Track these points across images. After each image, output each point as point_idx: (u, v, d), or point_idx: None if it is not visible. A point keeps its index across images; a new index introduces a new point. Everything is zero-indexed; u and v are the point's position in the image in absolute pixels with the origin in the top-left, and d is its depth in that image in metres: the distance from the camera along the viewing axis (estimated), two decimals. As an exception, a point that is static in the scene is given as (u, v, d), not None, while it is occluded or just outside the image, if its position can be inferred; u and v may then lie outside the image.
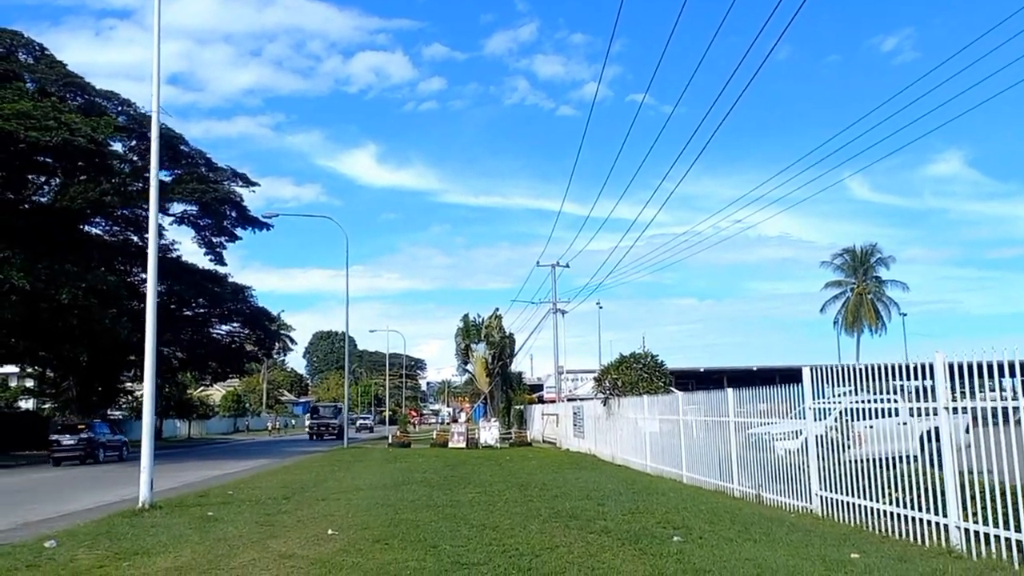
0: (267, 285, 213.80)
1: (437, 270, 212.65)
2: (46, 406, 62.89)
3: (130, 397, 67.50)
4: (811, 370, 12.75)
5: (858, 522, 10.99)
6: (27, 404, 67.20)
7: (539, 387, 65.46)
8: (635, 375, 25.23)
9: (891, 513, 10.33)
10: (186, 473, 22.98)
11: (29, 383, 67.65)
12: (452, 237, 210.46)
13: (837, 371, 12.13)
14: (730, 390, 15.95)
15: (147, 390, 13.79)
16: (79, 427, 33.45)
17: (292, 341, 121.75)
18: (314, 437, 59.16)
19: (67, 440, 31.80)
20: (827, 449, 12.56)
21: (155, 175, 14.82)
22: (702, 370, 51.04)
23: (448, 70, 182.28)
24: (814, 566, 8.22)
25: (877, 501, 10.64)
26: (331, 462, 26.08)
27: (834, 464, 12.14)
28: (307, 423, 67.33)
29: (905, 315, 74.54)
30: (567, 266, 46.92)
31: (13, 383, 75.11)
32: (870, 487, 10.85)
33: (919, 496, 9.96)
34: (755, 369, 47.24)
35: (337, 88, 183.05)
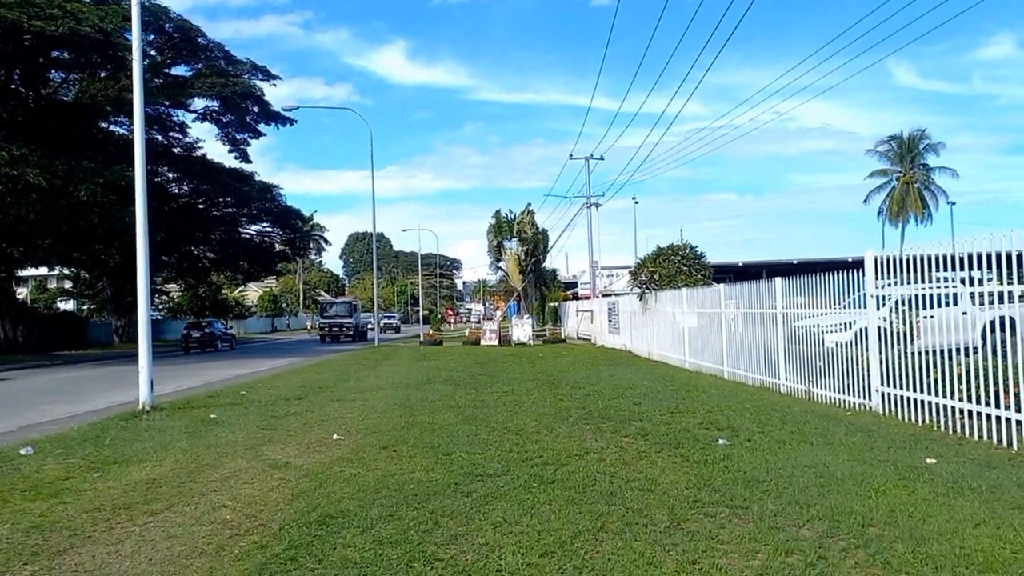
0: (302, 187, 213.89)
1: (472, 169, 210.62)
2: (84, 307, 63.59)
3: (165, 297, 68.03)
4: (874, 256, 11.33)
5: (926, 421, 9.79)
6: (66, 305, 68.00)
7: (574, 284, 64.46)
8: (673, 268, 23.90)
9: (968, 411, 9.09)
10: (210, 372, 22.43)
11: (68, 285, 68.35)
12: (486, 135, 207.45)
13: (901, 259, 10.68)
14: (778, 279, 14.63)
15: (141, 285, 12.83)
16: (203, 324, 45.89)
17: (326, 242, 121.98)
18: (326, 340, 50.33)
19: (195, 333, 43.37)
20: (890, 341, 11.29)
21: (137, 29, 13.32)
22: (740, 264, 49.46)
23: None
24: (885, 474, 7.06)
25: (950, 398, 9.38)
26: (357, 361, 25.40)
27: (897, 357, 10.89)
28: (317, 324, 58.18)
29: (954, 204, 71.68)
30: (601, 158, 45.02)
31: (53, 285, 76.04)
32: (941, 382, 9.58)
33: (997, 392, 8.72)
34: (795, 262, 45.62)
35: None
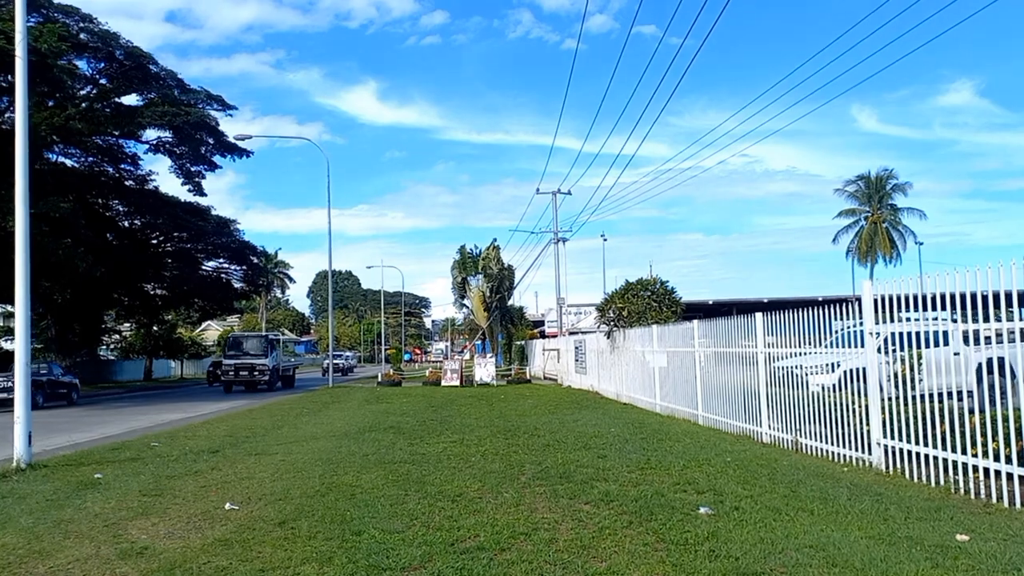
0: (271, 225, 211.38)
1: (442, 208, 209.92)
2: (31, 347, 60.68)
3: (117, 336, 65.26)
4: (872, 286, 9.89)
5: (941, 481, 8.25)
6: (8, 345, 65.00)
7: (541, 323, 62.91)
8: (643, 303, 22.40)
9: (994, 471, 7.57)
10: (140, 418, 20.41)
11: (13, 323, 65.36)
12: (456, 175, 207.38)
13: (906, 287, 9.22)
14: (759, 315, 13.18)
15: (19, 318, 10.94)
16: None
17: (290, 279, 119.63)
18: (231, 387, 37.09)
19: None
20: (884, 385, 9.83)
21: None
22: (711, 302, 48.09)
23: (451, 3, 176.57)
24: (912, 558, 5.51)
25: (970, 454, 7.86)
26: (304, 404, 23.49)
27: (901, 405, 9.40)
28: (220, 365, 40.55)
29: (922, 244, 71.46)
30: (569, 193, 43.76)
31: (-1, 323, 72.95)
32: (957, 434, 8.08)
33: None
34: (766, 301, 44.46)
35: (337, 23, 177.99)
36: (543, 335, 52.96)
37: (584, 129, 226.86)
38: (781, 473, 9.19)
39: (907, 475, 8.81)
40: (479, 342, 52.74)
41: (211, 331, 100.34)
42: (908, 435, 8.90)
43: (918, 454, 8.75)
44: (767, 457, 10.57)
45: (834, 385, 12.15)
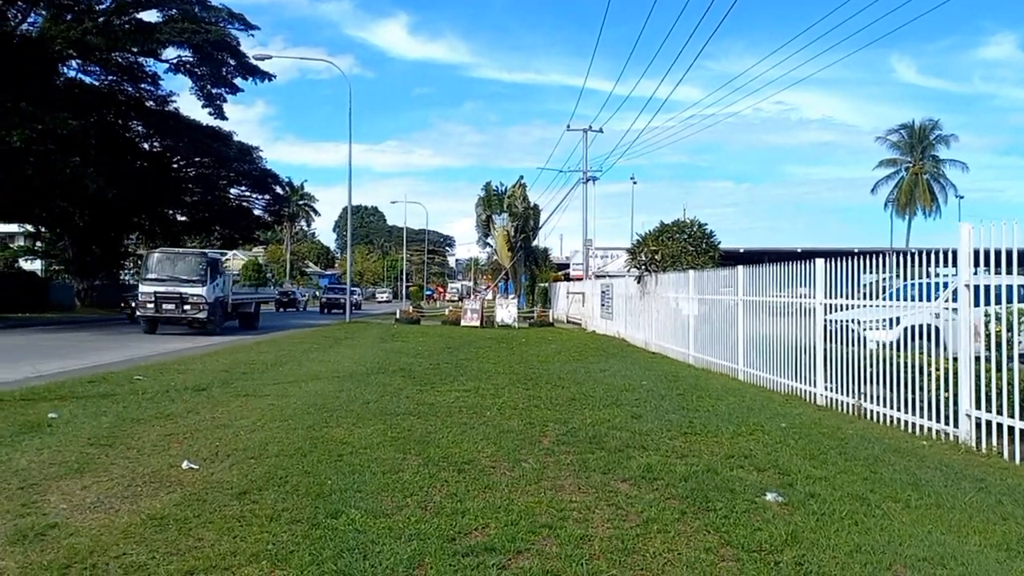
0: (300, 158, 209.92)
1: (470, 147, 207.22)
2: (51, 267, 60.20)
3: (139, 260, 64.39)
4: (969, 228, 8.25)
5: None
6: (31, 265, 64.51)
7: (566, 266, 61.28)
8: (677, 247, 20.80)
9: None
10: (143, 346, 19.24)
11: (38, 244, 64.70)
12: (485, 114, 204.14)
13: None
14: (820, 261, 11.61)
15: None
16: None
17: (316, 212, 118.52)
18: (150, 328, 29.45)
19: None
20: (984, 346, 8.29)
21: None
22: (742, 251, 46.38)
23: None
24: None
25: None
26: (317, 338, 22.27)
27: (994, 370, 7.89)
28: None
29: (962, 198, 68.68)
30: (600, 131, 41.68)
31: (20, 243, 72.48)
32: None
33: None
34: (799, 251, 42.58)
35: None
36: (568, 278, 51.43)
37: (616, 70, 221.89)
38: (852, 446, 7.73)
39: (1006, 455, 7.32)
40: (502, 282, 51.37)
41: (236, 261, 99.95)
42: (1011, 408, 7.37)
43: (1017, 428, 7.26)
44: (828, 424, 9.10)
45: (895, 343, 10.73)
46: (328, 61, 73.02)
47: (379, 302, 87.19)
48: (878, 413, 9.56)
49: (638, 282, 21.80)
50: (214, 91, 46.26)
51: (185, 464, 6.08)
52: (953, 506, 5.59)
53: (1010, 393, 7.38)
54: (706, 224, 21.22)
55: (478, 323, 31.89)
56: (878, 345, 10.93)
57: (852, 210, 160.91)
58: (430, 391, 10.86)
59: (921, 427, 8.68)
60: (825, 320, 11.77)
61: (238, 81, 45.96)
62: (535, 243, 48.44)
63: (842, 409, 10.30)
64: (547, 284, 47.78)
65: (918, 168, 69.57)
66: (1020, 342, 8.16)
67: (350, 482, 5.63)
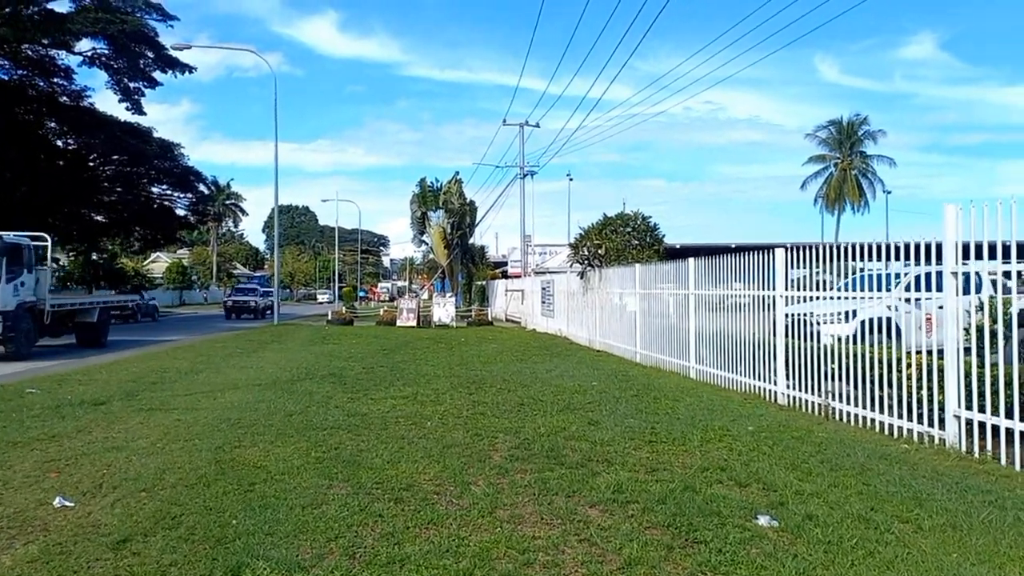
0: (228, 158, 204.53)
1: (403, 146, 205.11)
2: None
3: (55, 265, 61.31)
4: (956, 210, 7.56)
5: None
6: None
7: (503, 264, 60.38)
8: (622, 240, 20.06)
9: None
10: (50, 357, 17.53)
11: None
12: (419, 112, 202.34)
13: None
14: (780, 251, 10.94)
15: None
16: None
17: (243, 212, 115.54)
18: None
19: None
20: (988, 341, 7.63)
21: None
22: (678, 246, 46.24)
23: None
24: None
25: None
26: (240, 343, 20.87)
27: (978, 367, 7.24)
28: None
29: (890, 192, 70.18)
30: (537, 125, 40.95)
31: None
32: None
33: None
34: (733, 246, 42.61)
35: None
36: (505, 275, 50.56)
37: (549, 69, 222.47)
38: (832, 453, 6.97)
39: (1003, 460, 6.64)
40: (438, 281, 50.18)
41: (159, 263, 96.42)
42: (1008, 407, 6.69)
43: (1010, 429, 6.59)
44: (797, 427, 8.37)
45: (850, 337, 10.14)
46: (251, 51, 70.18)
47: (319, 303, 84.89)
48: (848, 413, 8.87)
49: (581, 278, 21.01)
50: (132, 85, 44.19)
51: (58, 501, 4.95)
52: (971, 527, 4.83)
53: (1008, 392, 6.70)
54: (650, 216, 20.53)
55: (415, 323, 30.75)
56: (834, 340, 10.34)
57: (782, 207, 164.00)
58: (363, 399, 9.79)
59: (899, 429, 7.99)
60: (785, 314, 11.16)
61: (157, 74, 43.98)
62: (472, 240, 47.43)
63: (807, 409, 9.61)
64: (484, 282, 46.82)
65: (846, 164, 70.76)
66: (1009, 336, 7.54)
67: (260, 521, 4.58)
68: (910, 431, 7.84)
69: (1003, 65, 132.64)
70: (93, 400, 9.47)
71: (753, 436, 7.68)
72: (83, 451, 6.58)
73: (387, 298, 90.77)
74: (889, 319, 10.76)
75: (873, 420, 8.42)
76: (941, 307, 8.57)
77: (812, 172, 71.64)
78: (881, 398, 8.35)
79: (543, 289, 28.39)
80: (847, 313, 10.82)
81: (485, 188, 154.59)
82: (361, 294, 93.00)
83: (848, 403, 8.94)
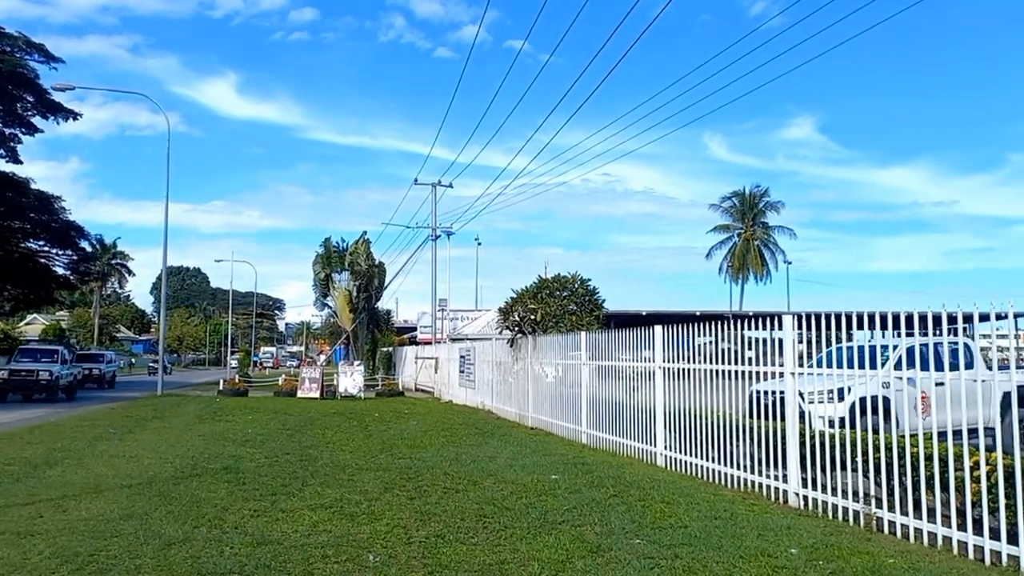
0: (118, 217, 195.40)
1: (303, 209, 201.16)
2: None
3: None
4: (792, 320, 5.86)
5: None
6: None
7: (409, 329, 57.73)
8: (558, 305, 18.13)
9: None
10: None
11: None
12: (319, 176, 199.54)
13: None
14: (788, 319, 9.18)
15: None
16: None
17: (130, 272, 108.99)
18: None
19: None
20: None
21: None
22: (619, 312, 44.97)
23: (322, 0, 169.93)
24: None
25: None
26: (115, 420, 17.71)
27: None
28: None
29: (790, 263, 71.52)
30: (450, 185, 39.15)
31: None
32: None
33: None
34: (644, 313, 41.45)
35: (200, 12, 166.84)
36: (414, 342, 47.99)
37: (454, 137, 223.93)
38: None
39: None
40: (341, 347, 47.15)
41: (36, 325, 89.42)
42: None
43: None
44: (847, 547, 6.39)
45: (842, 419, 8.54)
46: (142, 94, 65.15)
47: (208, 370, 79.62)
48: (902, 526, 6.94)
49: (511, 345, 18.90)
50: (7, 131, 40.21)
51: None
52: None
53: None
54: (589, 280, 18.71)
55: (318, 394, 27.87)
56: (825, 423, 8.67)
57: (674, 277, 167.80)
58: (271, 512, 7.29)
59: (918, 532, 6.13)
60: (752, 392, 9.54)
61: (37, 120, 40.16)
62: (377, 304, 44.82)
63: (834, 515, 7.68)
64: (391, 348, 44.16)
65: (749, 234, 71.86)
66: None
67: None
68: (928, 534, 5.99)
69: (874, 149, 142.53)
70: None
71: (811, 567, 5.65)
72: None
73: (271, 364, 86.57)
74: (887, 398, 9.18)
75: (947, 538, 6.49)
76: (940, 383, 7.10)
77: (717, 241, 72.42)
78: (955, 511, 6.49)
79: (462, 357, 26.12)
80: (839, 391, 9.17)
81: (391, 251, 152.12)
82: (255, 359, 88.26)
83: (900, 513, 7.02)
